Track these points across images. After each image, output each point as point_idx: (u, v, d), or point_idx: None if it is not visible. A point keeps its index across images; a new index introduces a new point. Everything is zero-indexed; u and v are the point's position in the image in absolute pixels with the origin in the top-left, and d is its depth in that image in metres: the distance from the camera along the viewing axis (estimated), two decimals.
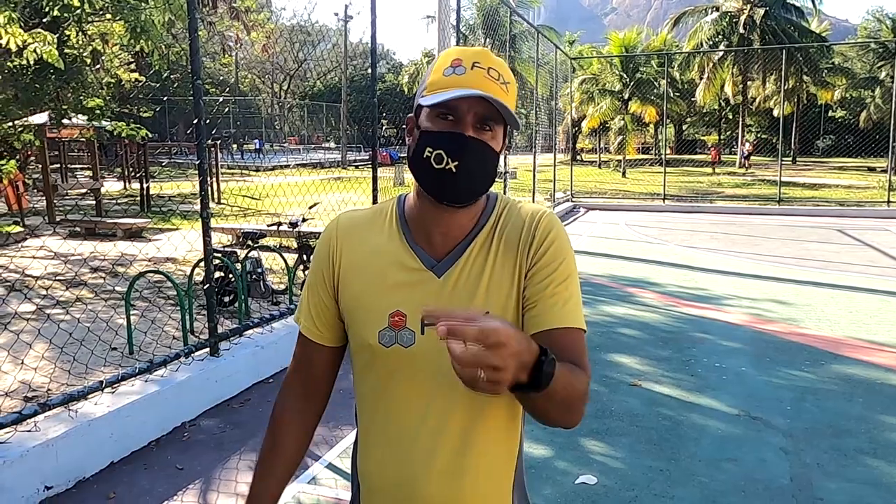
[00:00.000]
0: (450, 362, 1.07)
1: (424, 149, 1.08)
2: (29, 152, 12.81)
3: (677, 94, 34.85)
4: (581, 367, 1.06)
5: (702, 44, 33.20)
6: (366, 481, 1.21)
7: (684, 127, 48.33)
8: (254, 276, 6.61)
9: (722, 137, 46.96)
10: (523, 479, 1.22)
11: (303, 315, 1.24)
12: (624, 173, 30.57)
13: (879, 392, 4.50)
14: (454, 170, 1.07)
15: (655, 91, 30.99)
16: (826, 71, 34.37)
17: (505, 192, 12.48)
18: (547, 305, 1.09)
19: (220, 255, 6.08)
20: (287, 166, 27.26)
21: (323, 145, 46.33)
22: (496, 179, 1.15)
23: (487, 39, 25.95)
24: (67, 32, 9.08)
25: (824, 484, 3.32)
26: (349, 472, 1.30)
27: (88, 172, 17.34)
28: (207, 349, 4.55)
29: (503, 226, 1.16)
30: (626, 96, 31.82)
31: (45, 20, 7.44)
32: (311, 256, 1.27)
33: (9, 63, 8.22)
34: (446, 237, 1.15)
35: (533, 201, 14.09)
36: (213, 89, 34.46)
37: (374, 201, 6.18)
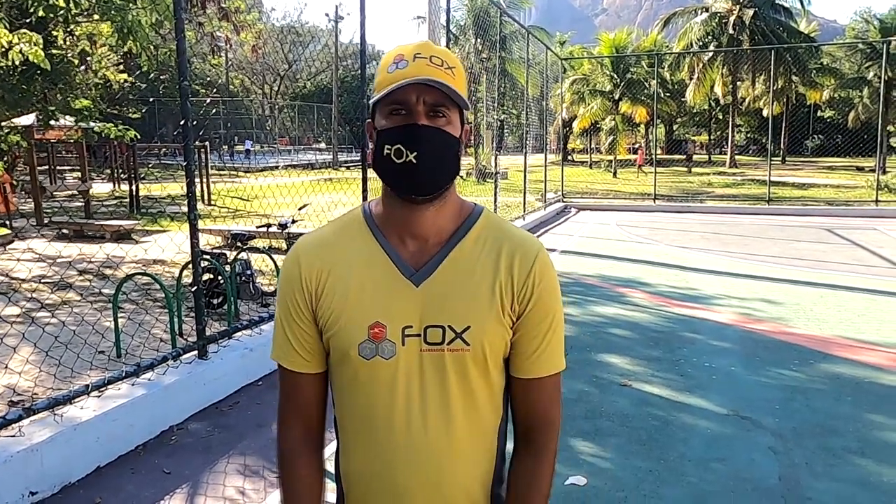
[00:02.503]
0: (430, 373, 1.11)
1: (383, 147, 1.08)
2: (16, 154, 12.70)
3: (667, 94, 35.03)
4: (551, 418, 1.19)
5: (692, 44, 33.34)
6: (349, 488, 1.21)
7: (675, 127, 48.53)
8: (243, 278, 6.58)
9: (712, 137, 47.19)
10: (504, 483, 1.22)
11: (283, 350, 1.19)
12: (615, 173, 30.68)
13: (868, 391, 4.52)
14: (414, 161, 1.06)
15: (646, 91, 31.13)
16: (815, 71, 34.61)
17: (496, 193, 12.47)
18: (535, 355, 1.15)
19: (209, 256, 6.05)
20: (276, 167, 27.19)
21: (313, 146, 46.22)
22: (460, 172, 1.15)
23: (478, 40, 25.97)
24: (54, 33, 9.01)
25: (813, 484, 3.33)
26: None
27: (77, 174, 17.23)
28: (196, 352, 4.52)
29: (490, 247, 1.15)
30: (616, 97, 31.95)
31: (29, 20, 7.37)
32: (277, 287, 1.24)
33: None
34: (422, 241, 1.13)
35: (524, 201, 14.10)
36: (203, 90, 34.30)
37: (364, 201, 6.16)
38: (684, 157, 36.79)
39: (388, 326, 1.11)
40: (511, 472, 1.22)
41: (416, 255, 1.13)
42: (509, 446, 1.24)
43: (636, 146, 43.24)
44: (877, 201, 15.87)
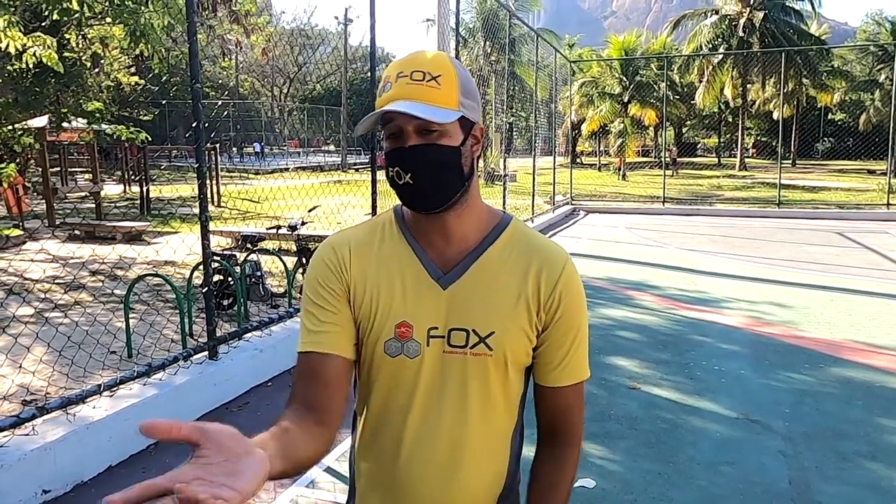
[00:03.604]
0: (451, 375, 1.13)
1: (388, 170, 1.11)
2: (29, 156, 12.81)
3: (677, 97, 34.89)
4: (574, 425, 1.21)
5: (701, 47, 33.24)
6: (362, 484, 1.22)
7: (684, 130, 48.38)
8: (253, 280, 6.61)
9: (721, 140, 46.99)
10: (516, 487, 1.23)
11: (312, 335, 1.12)
12: (624, 176, 30.60)
13: (879, 395, 4.50)
14: (411, 182, 1.08)
15: (655, 94, 31.04)
16: (825, 74, 34.40)
17: (504, 196, 12.47)
18: (561, 366, 1.17)
19: (219, 258, 6.09)
20: (286, 169, 27.30)
21: (323, 148, 46.37)
22: (471, 176, 1.14)
23: (487, 43, 25.98)
24: (67, 36, 9.10)
25: (823, 487, 3.32)
26: (347, 475, 1.30)
27: (88, 176, 17.37)
28: (206, 352, 4.55)
29: (517, 256, 1.16)
30: (625, 99, 31.87)
31: (44, 24, 7.45)
32: (306, 278, 1.20)
33: (8, 67, 8.23)
34: (449, 245, 1.15)
35: (532, 204, 14.10)
36: (213, 92, 34.48)
37: (373, 204, 6.18)
38: (670, 162, 35.75)
39: (414, 326, 1.13)
40: (532, 475, 1.23)
41: (443, 259, 1.15)
42: (525, 451, 1.25)
43: (646, 149, 43.08)
44: (888, 205, 15.75)
